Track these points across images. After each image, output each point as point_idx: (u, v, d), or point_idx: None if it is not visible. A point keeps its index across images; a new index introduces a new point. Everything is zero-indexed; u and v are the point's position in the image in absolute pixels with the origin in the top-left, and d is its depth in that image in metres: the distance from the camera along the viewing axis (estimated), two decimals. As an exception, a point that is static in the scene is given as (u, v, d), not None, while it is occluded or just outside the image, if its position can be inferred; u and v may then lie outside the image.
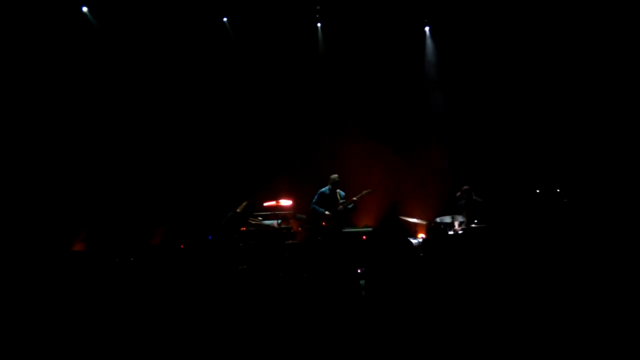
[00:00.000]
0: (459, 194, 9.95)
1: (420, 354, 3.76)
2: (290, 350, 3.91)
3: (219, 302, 4.70)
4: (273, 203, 10.02)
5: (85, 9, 10.57)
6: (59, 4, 10.36)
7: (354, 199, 9.65)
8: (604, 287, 4.58)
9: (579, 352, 3.66)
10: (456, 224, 9.55)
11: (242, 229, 9.12)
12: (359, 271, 6.40)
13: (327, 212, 9.54)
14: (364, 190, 9.73)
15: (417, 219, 10.19)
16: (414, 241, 8.95)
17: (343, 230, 9.69)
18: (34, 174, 10.12)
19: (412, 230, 10.34)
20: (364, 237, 9.54)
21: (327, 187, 9.77)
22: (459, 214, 9.72)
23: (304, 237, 9.81)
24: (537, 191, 9.97)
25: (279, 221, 9.52)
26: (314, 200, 9.74)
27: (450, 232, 9.37)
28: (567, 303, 4.33)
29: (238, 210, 8.89)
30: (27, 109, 10.23)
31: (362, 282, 5.39)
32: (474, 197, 9.81)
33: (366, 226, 10.78)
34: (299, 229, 9.94)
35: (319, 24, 11.66)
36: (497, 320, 4.05)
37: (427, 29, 11.83)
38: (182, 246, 9.31)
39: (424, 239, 9.30)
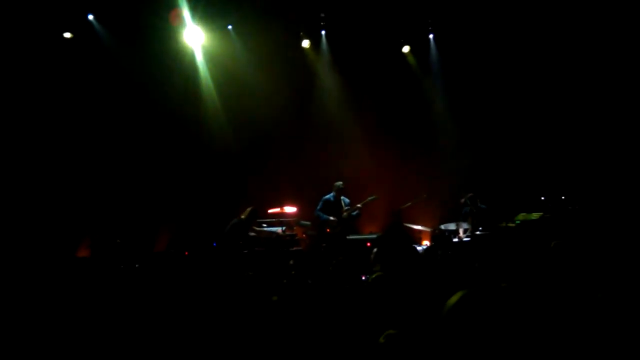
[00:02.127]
0: (463, 200, 9.94)
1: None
2: (294, 357, 3.90)
3: (224, 309, 4.70)
4: (277, 210, 10.03)
5: (91, 16, 10.62)
6: (65, 12, 10.42)
7: (359, 205, 9.65)
8: (610, 295, 4.56)
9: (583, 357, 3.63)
10: (461, 231, 9.55)
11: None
12: (363, 278, 6.40)
13: (331, 219, 9.54)
14: (369, 197, 9.73)
15: (422, 226, 10.18)
16: (418, 248, 8.94)
17: (347, 237, 9.69)
18: (40, 181, 10.16)
19: (417, 237, 10.33)
20: (369, 244, 9.54)
21: (331, 194, 9.77)
22: (464, 221, 9.71)
23: (309, 244, 9.81)
24: (542, 198, 9.95)
25: (284, 228, 9.52)
26: (318, 207, 9.74)
27: (455, 239, 9.37)
28: (572, 312, 4.32)
29: (242, 216, 8.90)
30: (33, 116, 10.28)
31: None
32: (479, 204, 9.80)
33: (371, 233, 10.76)
34: (304, 235, 9.94)
35: (323, 32, 11.68)
36: (502, 327, 4.03)
37: (431, 36, 11.84)
38: (186, 253, 9.33)
39: (428, 246, 9.30)
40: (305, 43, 11.59)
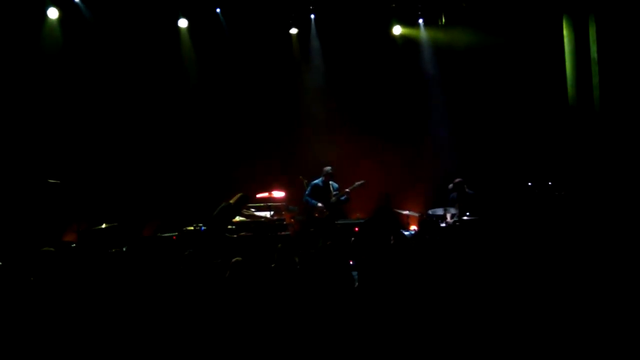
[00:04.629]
0: (451, 186, 10.00)
1: (413, 345, 3.78)
2: (284, 342, 3.92)
3: (212, 294, 4.71)
4: (266, 195, 10.02)
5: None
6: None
7: (347, 190, 9.66)
8: (594, 279, 4.62)
9: (571, 346, 3.69)
10: (448, 216, 9.60)
11: (234, 220, 9.13)
12: (351, 263, 6.44)
13: (319, 204, 9.55)
14: (357, 182, 9.74)
15: (410, 211, 10.22)
16: (406, 233, 8.99)
17: (336, 222, 9.71)
18: (26, 166, 10.04)
19: (405, 222, 10.38)
20: (357, 229, 9.57)
21: (320, 179, 9.77)
22: (451, 206, 9.77)
23: (297, 229, 9.83)
24: (529, 184, 10.03)
25: (272, 213, 9.52)
26: (307, 192, 9.74)
27: (443, 225, 9.42)
28: (558, 295, 4.37)
29: (231, 201, 8.89)
30: (16, 101, 10.11)
31: (354, 273, 5.42)
32: (466, 190, 9.86)
33: (359, 218, 10.79)
34: (292, 220, 9.95)
35: (312, 16, 11.61)
36: (489, 312, 4.08)
37: (420, 20, 11.78)
38: (174, 237, 9.31)
39: (416, 231, 9.36)
40: (294, 30, 11.54)
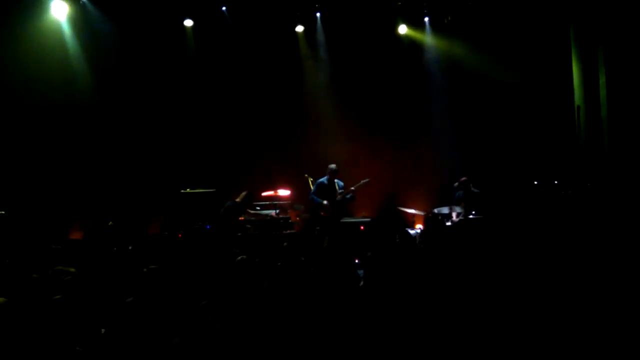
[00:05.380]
0: (456, 185, 9.99)
1: (418, 344, 3.78)
2: (289, 341, 3.93)
3: (218, 292, 4.72)
4: (271, 193, 10.03)
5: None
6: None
7: (352, 188, 9.66)
8: (600, 279, 4.61)
9: (575, 345, 3.68)
10: (454, 215, 9.60)
11: (240, 218, 9.15)
12: (357, 261, 6.44)
13: (325, 202, 9.55)
14: (362, 180, 9.74)
15: (415, 209, 10.21)
16: (411, 232, 8.98)
17: (341, 220, 9.70)
18: (31, 164, 10.07)
19: (410, 221, 10.38)
20: (362, 227, 9.56)
21: (325, 177, 9.77)
22: (457, 205, 9.75)
23: (302, 227, 9.84)
24: (535, 182, 10.01)
25: (277, 211, 9.53)
26: (312, 191, 9.74)
27: (448, 223, 9.41)
28: (563, 294, 4.36)
29: (237, 200, 8.92)
30: (22, 98, 10.13)
31: (360, 272, 5.43)
32: (472, 189, 9.84)
33: (364, 216, 10.78)
34: (297, 218, 9.97)
35: (318, 14, 11.60)
36: (494, 311, 4.07)
37: (426, 19, 11.75)
38: (180, 235, 9.32)
39: (421, 230, 9.35)
40: (300, 28, 11.55)
